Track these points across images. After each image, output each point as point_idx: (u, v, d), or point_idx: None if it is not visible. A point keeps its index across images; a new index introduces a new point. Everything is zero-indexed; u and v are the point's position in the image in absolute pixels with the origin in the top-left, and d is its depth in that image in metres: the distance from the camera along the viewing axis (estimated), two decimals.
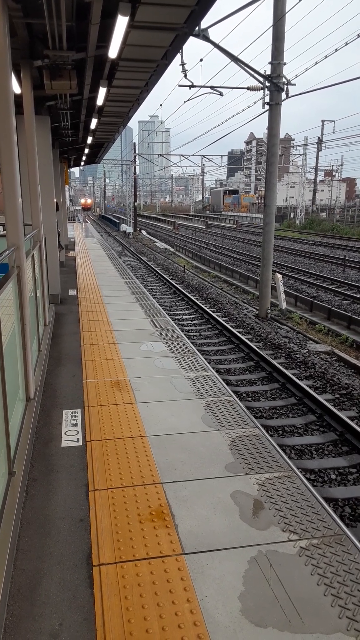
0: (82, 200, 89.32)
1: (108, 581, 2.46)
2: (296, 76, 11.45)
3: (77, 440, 3.89)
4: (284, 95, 11.12)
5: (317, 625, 2.21)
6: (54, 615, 2.30)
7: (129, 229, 39.24)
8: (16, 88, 5.94)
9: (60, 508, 3.07)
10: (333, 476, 4.96)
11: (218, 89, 13.20)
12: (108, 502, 3.07)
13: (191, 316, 11.68)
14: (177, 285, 14.97)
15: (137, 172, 44.78)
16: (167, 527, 2.84)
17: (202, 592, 2.39)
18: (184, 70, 11.90)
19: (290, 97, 11.24)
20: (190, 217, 60.50)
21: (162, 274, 17.34)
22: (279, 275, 12.92)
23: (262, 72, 11.16)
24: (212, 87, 13.20)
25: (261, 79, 11.24)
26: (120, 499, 3.10)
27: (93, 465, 3.49)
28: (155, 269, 18.77)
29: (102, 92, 7.72)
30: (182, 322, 10.93)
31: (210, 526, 2.85)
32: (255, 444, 3.80)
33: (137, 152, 42.36)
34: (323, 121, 43.59)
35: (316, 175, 52.17)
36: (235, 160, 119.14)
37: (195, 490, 3.20)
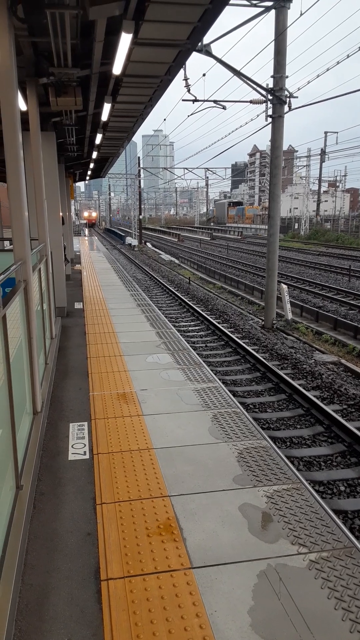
0: (86, 214, 70.05)
1: (116, 596, 2.44)
2: (298, 89, 11.58)
3: (84, 453, 3.89)
4: (286, 107, 11.22)
5: (328, 639, 2.18)
6: (63, 631, 2.28)
7: (134, 242, 39.42)
8: (22, 105, 6.03)
9: (67, 522, 3.06)
10: (342, 488, 4.92)
11: (221, 102, 13.32)
12: (116, 516, 3.05)
13: (197, 327, 11.68)
14: (182, 297, 15.00)
15: (142, 186, 45.07)
16: (175, 540, 2.82)
17: (211, 607, 2.36)
18: (187, 85, 12.01)
19: (293, 109, 11.34)
20: (195, 229, 60.75)
21: (168, 286, 17.38)
22: (284, 286, 12.93)
23: (264, 85, 11.28)
24: (215, 101, 13.32)
25: (263, 92, 11.34)
26: (128, 512, 3.09)
27: (100, 479, 3.48)
28: (161, 281, 18.83)
29: (106, 107, 7.82)
30: (187, 334, 10.93)
31: (219, 540, 2.83)
32: (262, 456, 3.78)
33: (141, 165, 42.71)
34: (326, 132, 43.96)
35: (320, 186, 52.33)
36: (239, 173, 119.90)
37: (203, 503, 3.18)
